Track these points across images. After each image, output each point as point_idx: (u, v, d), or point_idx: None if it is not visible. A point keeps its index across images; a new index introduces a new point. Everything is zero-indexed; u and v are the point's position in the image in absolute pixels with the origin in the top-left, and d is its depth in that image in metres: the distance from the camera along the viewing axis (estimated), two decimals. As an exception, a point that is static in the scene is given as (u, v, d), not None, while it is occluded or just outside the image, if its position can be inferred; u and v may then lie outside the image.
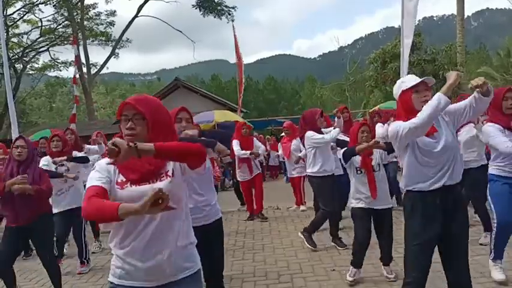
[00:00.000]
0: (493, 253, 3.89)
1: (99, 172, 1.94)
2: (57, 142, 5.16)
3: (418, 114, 2.60)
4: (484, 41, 56.64)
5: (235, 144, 7.07)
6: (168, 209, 1.64)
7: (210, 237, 3.06)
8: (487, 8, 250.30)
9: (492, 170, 3.85)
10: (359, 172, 4.10)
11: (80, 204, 4.79)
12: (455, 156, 2.73)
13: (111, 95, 49.01)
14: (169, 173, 1.94)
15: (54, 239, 4.62)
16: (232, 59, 16.69)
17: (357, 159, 4.10)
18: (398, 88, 2.83)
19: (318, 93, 34.67)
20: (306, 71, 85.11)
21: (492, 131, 3.65)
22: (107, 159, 1.93)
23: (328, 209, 5.28)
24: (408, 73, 6.19)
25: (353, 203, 4.22)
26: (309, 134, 5.30)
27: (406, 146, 2.75)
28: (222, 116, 13.86)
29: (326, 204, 5.30)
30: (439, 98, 2.58)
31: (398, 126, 2.67)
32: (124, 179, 1.92)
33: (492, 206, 3.84)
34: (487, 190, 3.89)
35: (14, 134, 9.52)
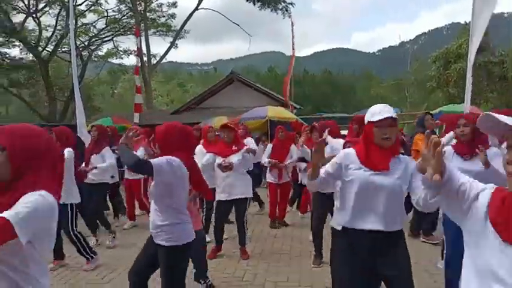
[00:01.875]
0: None
1: None
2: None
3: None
4: (560, 41, 52.61)
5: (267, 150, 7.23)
6: None
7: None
8: None
9: None
10: None
11: (66, 201, 4.92)
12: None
13: (170, 83, 50.44)
14: None
15: None
16: (288, 52, 16.68)
17: None
18: (366, 118, 2.74)
19: (374, 92, 33.74)
20: (364, 66, 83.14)
21: None
22: None
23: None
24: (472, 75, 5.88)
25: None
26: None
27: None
28: (275, 112, 13.85)
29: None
30: (309, 184, 2.78)
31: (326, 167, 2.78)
32: None
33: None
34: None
35: (79, 119, 10.03)
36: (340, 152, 2.84)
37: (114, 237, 6.28)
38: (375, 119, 2.61)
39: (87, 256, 5.22)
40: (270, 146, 7.34)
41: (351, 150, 2.75)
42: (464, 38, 18.19)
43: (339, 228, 2.83)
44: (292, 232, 6.86)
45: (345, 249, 2.75)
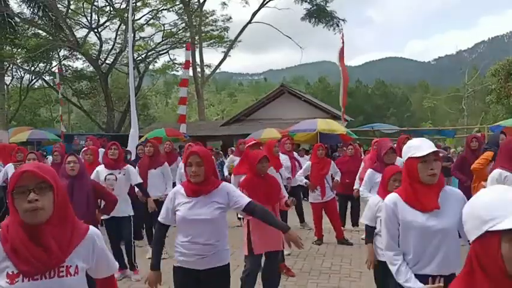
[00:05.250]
0: None
1: None
2: (114, 150, 5.32)
3: (391, 260, 2.47)
4: None
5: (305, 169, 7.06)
6: None
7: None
8: None
9: None
10: None
11: (130, 213, 5.28)
12: None
13: (222, 93, 51.46)
14: (72, 270, 1.63)
15: None
16: (340, 61, 16.48)
17: None
18: (405, 153, 2.49)
19: (427, 104, 32.50)
20: (418, 76, 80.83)
21: None
22: None
23: None
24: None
25: None
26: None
27: None
28: (325, 125, 13.75)
29: None
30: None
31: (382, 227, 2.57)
32: (15, 271, 1.55)
33: None
34: None
35: (134, 129, 10.41)
36: (383, 204, 2.59)
37: None
38: (419, 154, 2.37)
39: (137, 264, 5.43)
40: (308, 163, 7.06)
41: (395, 196, 2.50)
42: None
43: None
44: (343, 251, 6.74)
45: None
